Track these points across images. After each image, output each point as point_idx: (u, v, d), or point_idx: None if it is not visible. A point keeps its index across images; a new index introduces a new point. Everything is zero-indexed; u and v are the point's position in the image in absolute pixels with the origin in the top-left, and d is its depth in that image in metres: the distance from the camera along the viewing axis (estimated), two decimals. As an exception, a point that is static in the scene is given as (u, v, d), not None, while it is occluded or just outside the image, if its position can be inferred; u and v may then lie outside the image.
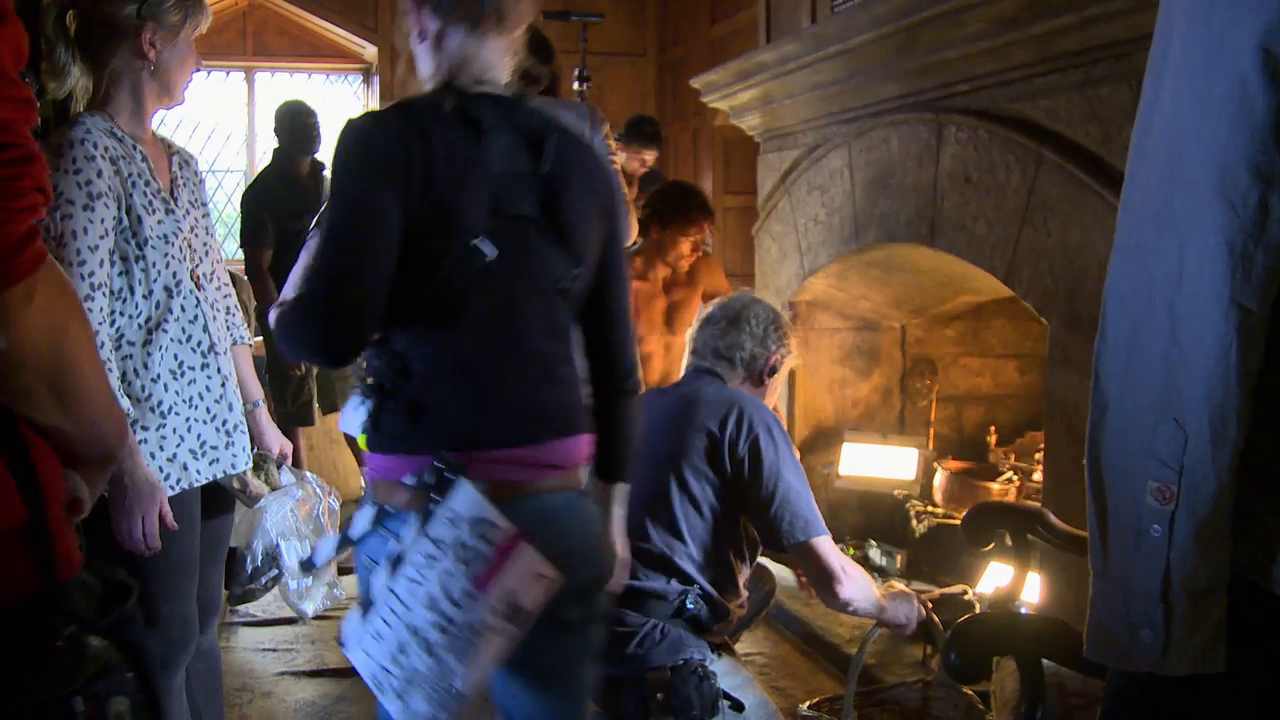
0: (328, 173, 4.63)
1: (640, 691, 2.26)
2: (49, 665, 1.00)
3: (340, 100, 7.41)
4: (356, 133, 1.55)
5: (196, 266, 2.17)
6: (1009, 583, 2.26)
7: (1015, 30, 2.95)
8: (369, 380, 1.61)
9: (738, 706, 2.34)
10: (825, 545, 2.39)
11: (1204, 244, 0.96)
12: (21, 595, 1.01)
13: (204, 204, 2.25)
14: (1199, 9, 0.97)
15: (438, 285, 1.55)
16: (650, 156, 5.25)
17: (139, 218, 2.00)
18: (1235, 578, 0.99)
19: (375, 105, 7.04)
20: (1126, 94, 2.70)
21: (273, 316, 1.62)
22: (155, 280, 2.03)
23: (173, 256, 2.07)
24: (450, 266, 1.55)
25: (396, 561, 1.50)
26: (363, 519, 1.62)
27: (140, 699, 1.03)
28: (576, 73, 4.51)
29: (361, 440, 1.69)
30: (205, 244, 2.23)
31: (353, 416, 1.67)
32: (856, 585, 2.42)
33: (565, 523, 1.64)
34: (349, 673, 3.31)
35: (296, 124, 4.62)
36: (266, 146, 7.10)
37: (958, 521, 3.84)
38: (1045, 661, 1.70)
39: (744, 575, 2.49)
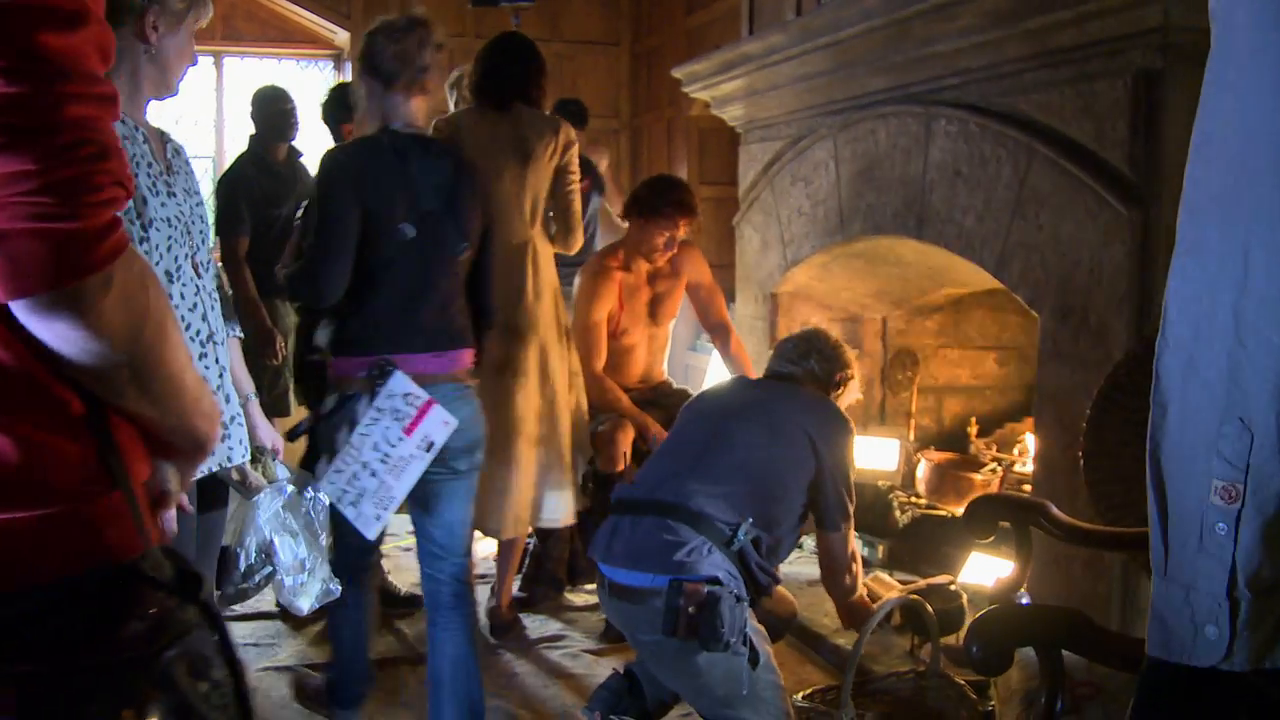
0: (305, 159, 4.67)
1: (675, 602, 2.32)
2: (140, 625, 1.02)
3: (311, 87, 7.29)
4: (333, 160, 2.64)
5: (194, 254, 2.13)
6: (1011, 573, 2.27)
7: (1009, 25, 2.96)
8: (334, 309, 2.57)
9: (754, 656, 2.40)
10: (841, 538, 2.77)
11: (1271, 247, 0.96)
12: (108, 561, 1.02)
13: (197, 192, 2.21)
14: (1267, 14, 0.97)
15: (380, 252, 2.53)
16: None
17: (144, 199, 1.96)
18: None
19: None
20: (1121, 90, 2.72)
21: (282, 275, 2.66)
22: (158, 264, 1.99)
23: (175, 240, 2.03)
24: (386, 241, 2.53)
25: (352, 423, 2.41)
26: (330, 401, 2.51)
27: (223, 658, 1.07)
28: None
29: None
30: (201, 232, 2.19)
31: (322, 333, 2.59)
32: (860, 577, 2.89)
33: (456, 402, 2.55)
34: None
35: (273, 110, 4.52)
36: (236, 132, 7.04)
37: (942, 512, 3.88)
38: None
39: (789, 544, 2.72)
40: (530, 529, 3.67)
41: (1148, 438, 1.09)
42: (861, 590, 2.94)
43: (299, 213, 3.19)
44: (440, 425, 2.43)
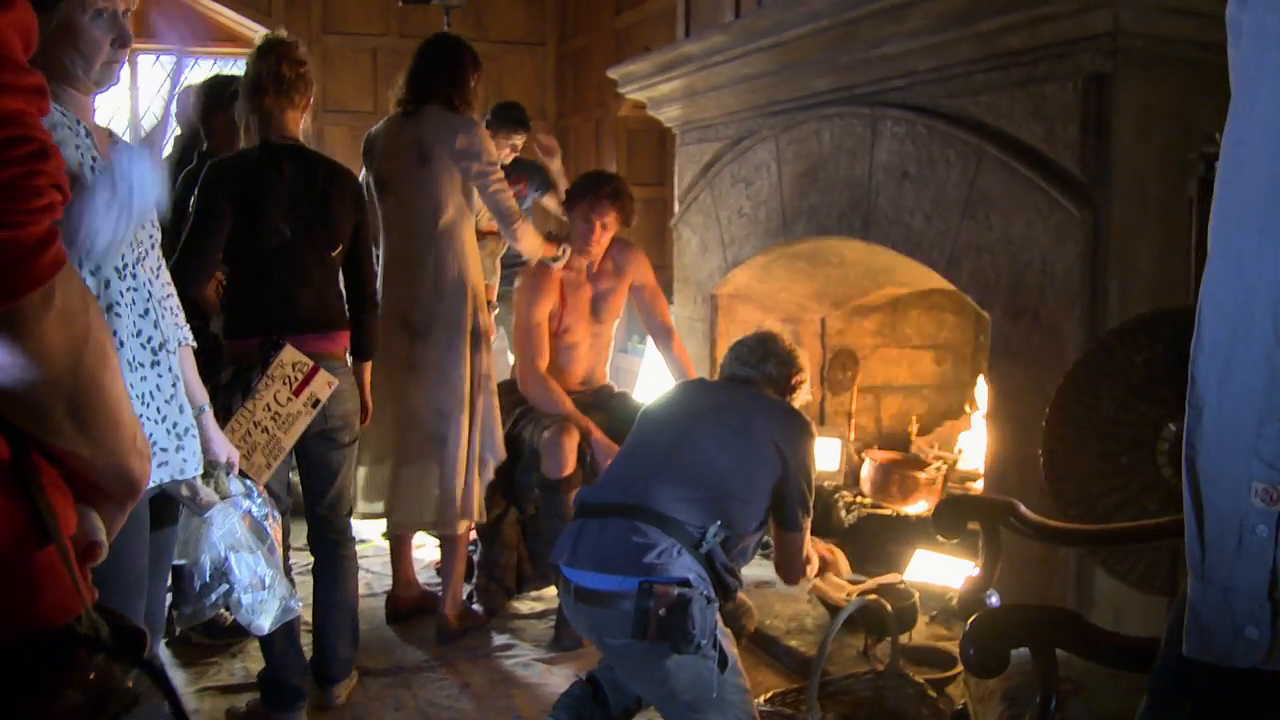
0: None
1: (644, 604, 2.30)
2: (80, 696, 0.92)
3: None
4: (211, 169, 2.96)
5: (142, 259, 2.03)
6: (980, 573, 2.27)
7: (959, 27, 2.98)
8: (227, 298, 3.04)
9: (722, 659, 2.39)
10: (802, 537, 2.79)
11: None
12: (42, 626, 0.92)
13: None
14: None
15: (260, 248, 2.91)
16: (519, 141, 5.16)
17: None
18: None
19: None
20: (1071, 93, 2.75)
21: None
22: (102, 269, 1.88)
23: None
24: (266, 239, 2.89)
25: (246, 390, 2.80)
26: (226, 373, 2.89)
27: None
28: None
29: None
30: (151, 236, 2.08)
31: (217, 321, 3.08)
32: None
33: (333, 375, 2.90)
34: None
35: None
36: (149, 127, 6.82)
37: (887, 511, 3.90)
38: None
39: (754, 546, 2.70)
40: (462, 533, 3.62)
41: (1184, 441, 1.08)
42: (820, 584, 3.10)
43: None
44: (325, 385, 2.85)
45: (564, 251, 3.78)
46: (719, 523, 2.49)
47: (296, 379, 2.80)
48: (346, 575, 3.09)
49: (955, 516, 2.27)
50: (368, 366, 3.18)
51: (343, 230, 2.99)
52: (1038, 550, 2.79)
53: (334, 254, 3.00)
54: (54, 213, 0.84)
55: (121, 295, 1.97)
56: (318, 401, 2.83)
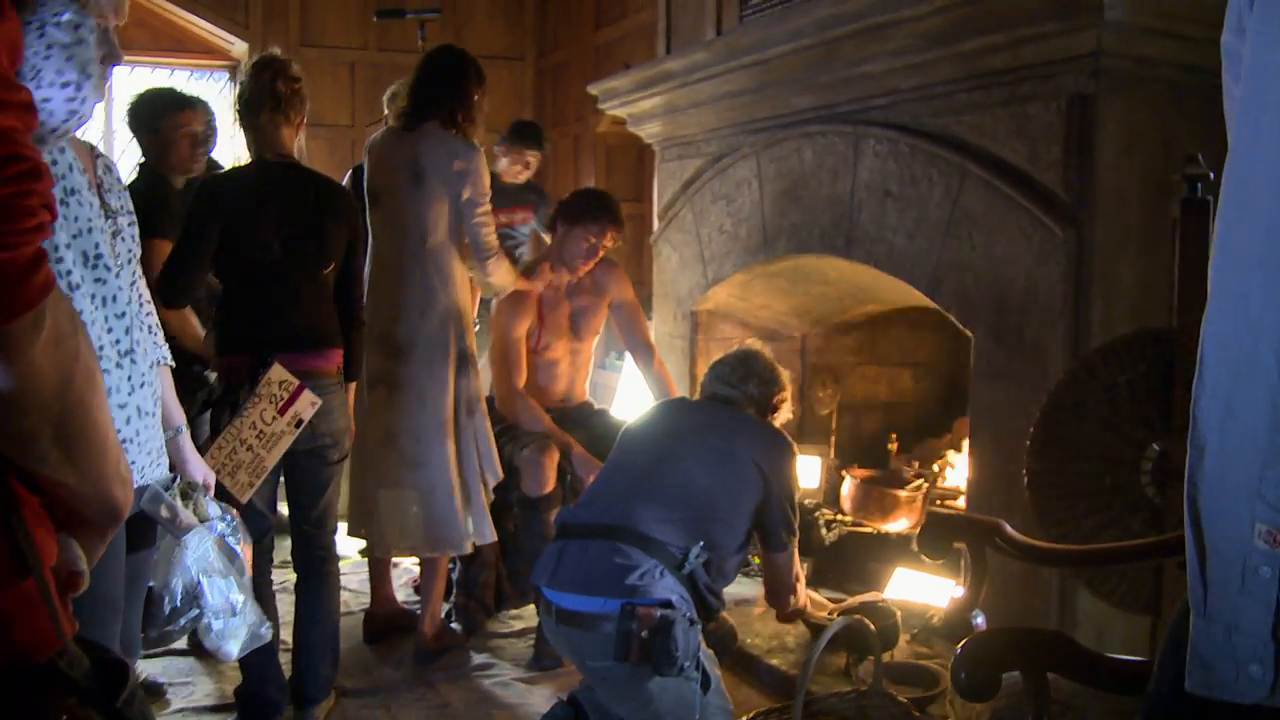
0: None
1: (627, 626, 2.28)
2: None
3: (207, 99, 7.04)
4: (203, 186, 3.02)
5: (122, 270, 1.99)
6: (966, 594, 2.27)
7: (942, 47, 2.99)
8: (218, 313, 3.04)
9: (705, 681, 2.38)
10: (789, 557, 2.79)
11: None
12: (20, 660, 0.90)
13: (130, 212, 2.06)
14: None
15: (251, 265, 2.89)
16: (534, 158, 5.15)
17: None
18: None
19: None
20: (1054, 113, 2.77)
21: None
22: (74, 237, 1.84)
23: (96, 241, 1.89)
24: (257, 255, 2.88)
25: (234, 407, 2.79)
26: (218, 388, 2.93)
27: None
28: None
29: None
30: (130, 251, 2.05)
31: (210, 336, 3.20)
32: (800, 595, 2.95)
33: (323, 393, 2.89)
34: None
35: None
36: (126, 143, 6.74)
37: (867, 529, 3.89)
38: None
39: (736, 566, 2.67)
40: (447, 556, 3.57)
41: (1186, 480, 1.09)
42: (805, 603, 3.01)
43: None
44: (309, 405, 2.83)
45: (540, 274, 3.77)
46: (701, 544, 2.47)
47: (282, 398, 2.79)
48: (330, 593, 3.06)
49: (941, 536, 2.25)
50: (353, 386, 3.19)
51: (335, 248, 2.98)
52: (1020, 570, 2.79)
53: (326, 271, 2.97)
54: (44, 233, 0.82)
55: (89, 284, 1.91)
56: (300, 421, 2.81)
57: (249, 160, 2.99)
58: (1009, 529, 2.20)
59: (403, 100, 3.58)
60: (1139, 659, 1.63)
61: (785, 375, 2.99)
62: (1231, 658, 1.03)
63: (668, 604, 2.35)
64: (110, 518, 1.01)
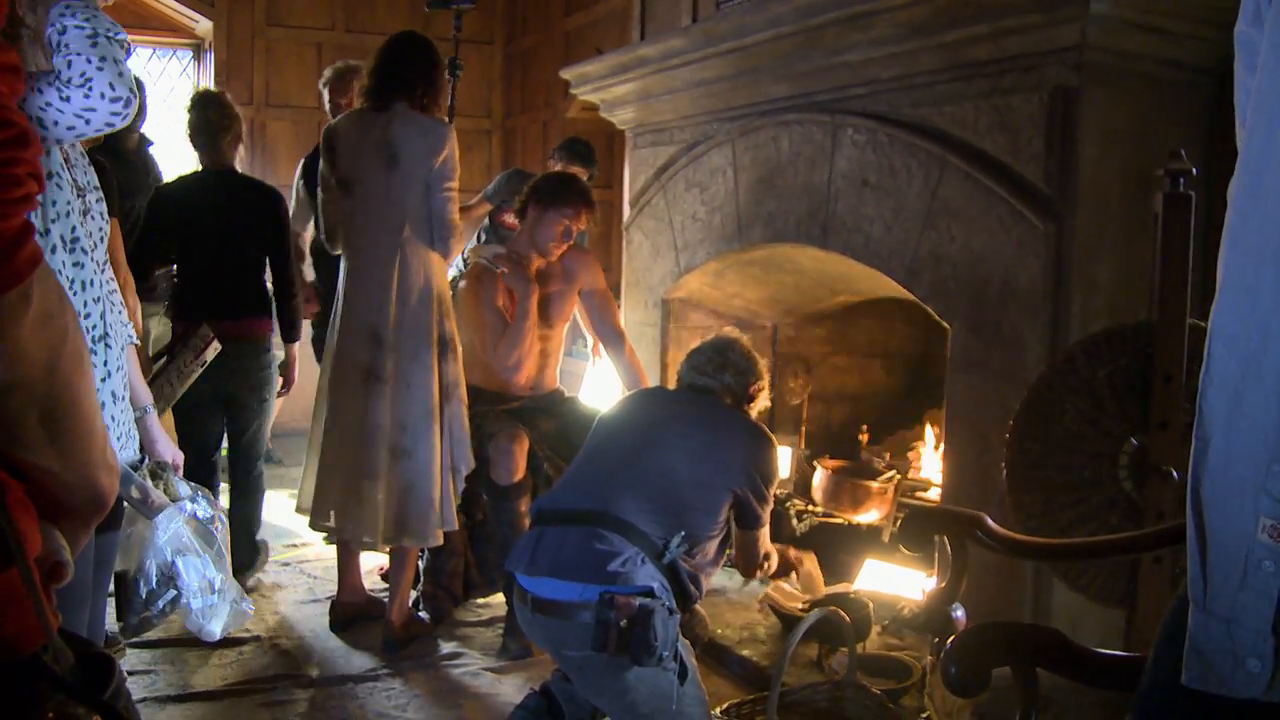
0: (154, 149, 4.52)
1: (605, 615, 2.26)
2: None
3: (168, 77, 6.90)
4: (158, 190, 3.96)
5: (93, 250, 1.93)
6: (945, 586, 2.25)
7: (923, 37, 2.97)
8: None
9: (682, 671, 2.36)
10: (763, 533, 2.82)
11: None
12: (4, 654, 0.86)
13: (97, 188, 2.00)
14: None
15: (196, 252, 3.79)
16: (582, 174, 5.15)
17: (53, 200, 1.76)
18: None
19: (209, 84, 6.61)
20: (1037, 105, 2.76)
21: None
22: (53, 222, 1.79)
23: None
24: (200, 245, 3.78)
25: (172, 354, 3.54)
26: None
27: None
28: (449, 61, 4.33)
29: None
30: (101, 229, 1.98)
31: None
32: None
33: (247, 353, 3.78)
34: (217, 695, 3.07)
35: None
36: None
37: (838, 520, 3.88)
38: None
39: (718, 555, 2.67)
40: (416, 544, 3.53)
41: (1189, 473, 1.07)
42: (774, 567, 3.06)
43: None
44: (212, 351, 3.57)
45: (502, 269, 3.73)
46: (682, 534, 2.46)
47: (200, 348, 3.56)
48: (251, 493, 3.99)
49: (921, 529, 2.24)
50: (293, 347, 4.00)
51: (263, 237, 3.84)
52: (995, 562, 2.78)
53: (253, 257, 3.84)
54: (31, 204, 0.78)
55: (68, 269, 1.86)
56: (205, 363, 3.57)
57: (196, 170, 3.92)
58: (990, 522, 2.19)
59: (365, 80, 3.52)
60: (1131, 654, 1.62)
61: (763, 364, 2.97)
62: (1230, 652, 1.03)
63: (648, 592, 2.32)
64: (95, 506, 0.96)
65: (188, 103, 3.90)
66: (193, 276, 3.82)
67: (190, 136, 3.86)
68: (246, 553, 3.92)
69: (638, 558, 2.37)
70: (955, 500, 2.98)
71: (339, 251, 3.58)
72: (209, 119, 3.80)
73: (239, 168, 4.01)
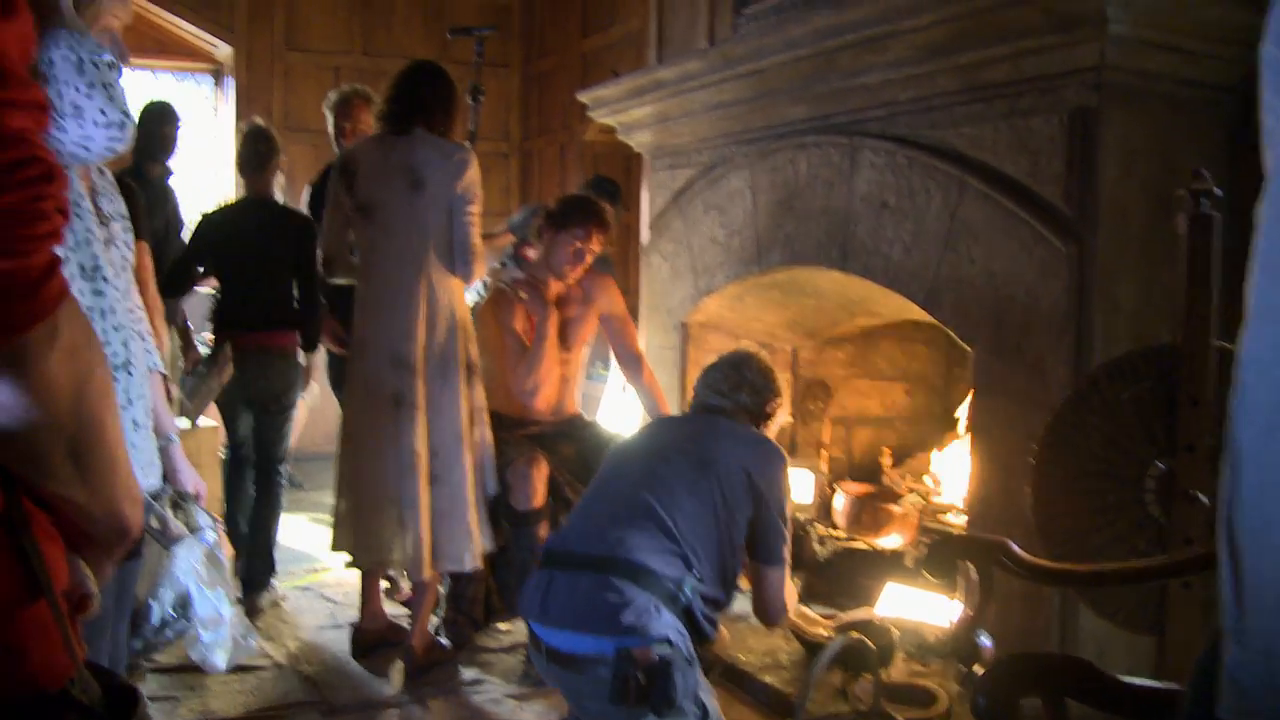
0: (174, 181, 4.67)
1: (624, 670, 2.20)
2: None
3: (190, 102, 6.97)
4: (203, 216, 4.35)
5: (117, 278, 1.94)
6: (972, 613, 2.24)
7: (941, 59, 2.98)
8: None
9: (704, 716, 2.30)
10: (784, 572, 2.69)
11: None
12: (34, 688, 0.86)
13: (124, 216, 2.02)
14: None
15: (233, 273, 4.20)
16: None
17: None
18: None
19: (229, 108, 6.67)
20: (1056, 126, 2.75)
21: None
22: (72, 250, 1.81)
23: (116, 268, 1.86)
24: (236, 268, 4.18)
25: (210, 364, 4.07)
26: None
27: None
28: (471, 87, 4.36)
29: None
30: (125, 258, 2.00)
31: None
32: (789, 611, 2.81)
33: (272, 362, 4.11)
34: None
35: (160, 130, 4.70)
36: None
37: (861, 545, 3.86)
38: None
39: (733, 587, 2.58)
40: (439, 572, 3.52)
41: (1221, 501, 1.06)
42: (796, 621, 2.98)
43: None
44: (230, 369, 4.04)
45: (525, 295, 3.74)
46: (695, 573, 2.39)
47: (225, 361, 4.01)
48: (270, 498, 4.24)
49: (946, 556, 2.23)
50: (314, 355, 4.37)
51: (293, 260, 4.15)
52: (1021, 588, 2.76)
53: (287, 276, 4.16)
54: (57, 240, 0.80)
55: (88, 297, 1.87)
56: (224, 380, 4.03)
57: (241, 198, 4.42)
58: (1015, 548, 2.17)
59: (382, 107, 3.54)
60: (1162, 684, 1.60)
61: (780, 379, 2.91)
62: (1268, 684, 1.01)
63: (665, 641, 2.25)
64: (120, 537, 0.97)
65: (240, 135, 4.35)
66: (231, 293, 4.19)
67: (239, 166, 4.28)
68: (261, 570, 4.11)
69: (652, 606, 2.29)
70: (980, 525, 2.96)
71: (338, 279, 3.61)
72: (259, 152, 4.19)
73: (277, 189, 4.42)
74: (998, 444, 2.93)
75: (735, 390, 2.81)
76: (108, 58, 1.63)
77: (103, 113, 1.61)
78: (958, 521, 3.62)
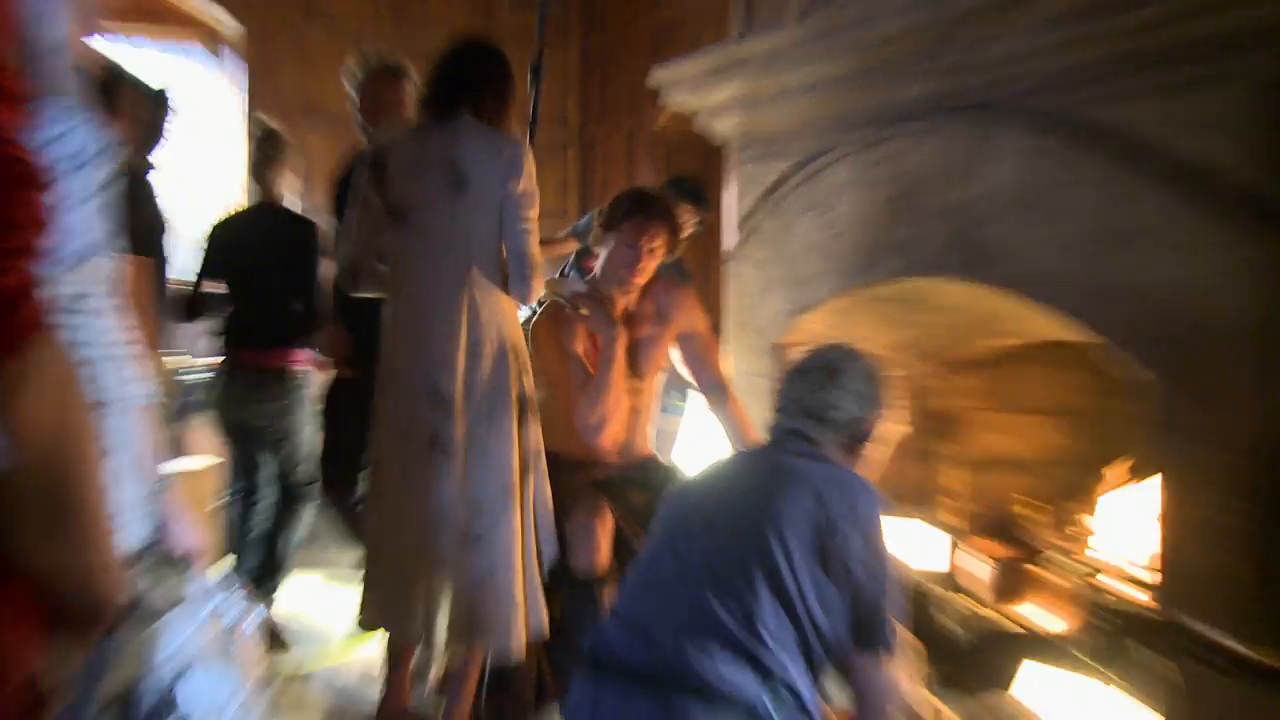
0: (157, 176, 4.80)
1: None
2: None
3: (181, 74, 7.05)
4: (216, 224, 4.79)
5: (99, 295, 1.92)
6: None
7: (1095, 20, 2.89)
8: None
9: None
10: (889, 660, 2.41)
11: None
12: None
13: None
14: None
15: (245, 285, 4.64)
16: (689, 219, 5.21)
17: None
18: None
19: (233, 82, 6.74)
20: (1246, 101, 2.63)
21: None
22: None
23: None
24: (250, 277, 4.63)
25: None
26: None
27: None
28: (531, 68, 4.34)
29: None
30: (107, 274, 1.96)
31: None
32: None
33: (279, 382, 4.56)
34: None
35: (139, 116, 4.66)
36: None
37: (1011, 625, 3.66)
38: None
39: (836, 667, 2.41)
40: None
41: None
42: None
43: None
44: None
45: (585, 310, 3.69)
46: (780, 686, 2.22)
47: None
48: (290, 521, 4.66)
49: (1122, 645, 2.08)
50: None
51: (304, 267, 4.54)
52: (1241, 693, 2.57)
53: (295, 284, 4.51)
54: (28, 256, 0.79)
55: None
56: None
57: (252, 205, 4.73)
58: (1236, 644, 2.02)
59: (424, 90, 3.49)
60: None
61: (893, 380, 2.72)
62: None
63: None
64: (90, 616, 1.00)
65: (253, 141, 4.72)
66: (237, 309, 4.57)
67: (252, 171, 4.67)
68: (265, 574, 4.61)
69: None
70: (1178, 604, 2.78)
71: (361, 293, 3.52)
72: (269, 156, 4.58)
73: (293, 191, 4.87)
74: (1189, 502, 2.77)
75: (827, 408, 2.61)
76: (113, 170, 1.67)
77: (88, 220, 1.63)
78: (1137, 596, 3.40)
